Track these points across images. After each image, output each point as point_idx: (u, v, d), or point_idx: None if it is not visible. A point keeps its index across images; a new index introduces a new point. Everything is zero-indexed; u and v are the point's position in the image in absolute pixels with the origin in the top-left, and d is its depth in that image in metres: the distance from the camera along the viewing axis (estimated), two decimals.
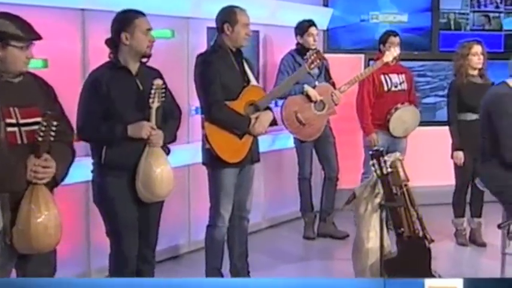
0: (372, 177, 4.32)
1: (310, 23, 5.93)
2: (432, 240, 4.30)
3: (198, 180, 5.22)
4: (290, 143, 6.18)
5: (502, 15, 7.48)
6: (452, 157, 5.76)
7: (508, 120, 4.43)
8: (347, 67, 6.66)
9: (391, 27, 6.99)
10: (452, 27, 7.35)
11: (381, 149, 4.17)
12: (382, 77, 6.24)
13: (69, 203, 4.44)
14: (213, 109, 4.36)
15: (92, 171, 3.91)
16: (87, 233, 4.83)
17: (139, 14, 3.84)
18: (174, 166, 3.94)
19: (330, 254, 5.88)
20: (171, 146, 4.02)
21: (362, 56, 6.95)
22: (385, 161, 4.10)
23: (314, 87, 5.89)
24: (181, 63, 5.41)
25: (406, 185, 4.30)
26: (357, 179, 6.11)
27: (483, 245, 5.86)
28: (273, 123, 4.58)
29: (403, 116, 6.22)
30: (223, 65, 4.42)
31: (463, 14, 7.36)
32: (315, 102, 5.86)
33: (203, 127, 4.39)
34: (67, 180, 3.34)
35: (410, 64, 7.08)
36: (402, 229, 4.20)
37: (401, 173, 4.29)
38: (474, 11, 7.41)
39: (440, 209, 6.14)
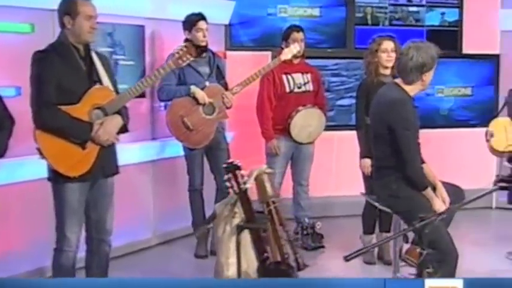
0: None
1: (199, 17, 5.31)
2: (305, 266, 3.72)
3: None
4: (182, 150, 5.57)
5: (424, 9, 6.92)
6: (360, 166, 5.21)
7: (410, 130, 3.95)
8: (251, 66, 6.00)
9: (302, 22, 6.43)
10: (369, 22, 6.76)
11: (236, 162, 3.57)
12: (284, 77, 5.68)
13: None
14: (43, 114, 3.71)
15: None
16: None
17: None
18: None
19: None
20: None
21: (269, 53, 6.30)
22: (242, 175, 3.49)
23: (203, 88, 5.28)
24: None
25: (274, 202, 3.70)
26: None
27: (390, 263, 5.30)
28: (123, 130, 3.95)
29: (306, 120, 5.66)
30: (62, 64, 3.77)
31: (381, 7, 6.78)
32: (204, 105, 5.25)
33: (34, 136, 3.75)
34: None
35: (323, 62, 6.53)
36: (266, 254, 3.60)
37: (269, 189, 3.70)
38: (393, 5, 6.83)
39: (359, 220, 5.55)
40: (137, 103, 5.27)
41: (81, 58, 3.86)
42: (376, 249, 5.38)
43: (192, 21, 5.30)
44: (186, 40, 5.32)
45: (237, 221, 3.62)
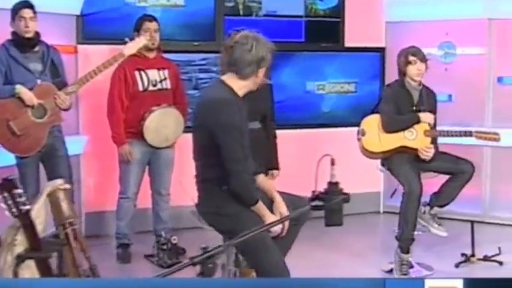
0: None
1: (22, 5, 4.58)
2: None
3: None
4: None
5: None
6: None
7: (233, 135, 3.36)
8: None
9: (165, 12, 5.79)
10: (241, 12, 6.16)
11: (11, 177, 2.88)
12: (136, 73, 5.08)
13: None
14: None
15: None
16: None
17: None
18: None
19: None
20: None
21: None
22: (20, 194, 2.81)
23: (33, 87, 4.57)
24: None
25: (72, 224, 3.04)
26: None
27: None
28: None
29: (161, 121, 5.06)
30: None
31: None
32: (32, 107, 4.55)
33: None
34: None
35: (189, 57, 5.91)
36: None
37: (65, 208, 3.04)
38: None
39: None
40: None
41: None
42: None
43: (15, 10, 4.59)
44: (13, 33, 4.63)
45: (19, 249, 2.94)
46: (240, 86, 3.44)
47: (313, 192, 2.64)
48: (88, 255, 3.06)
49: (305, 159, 5.84)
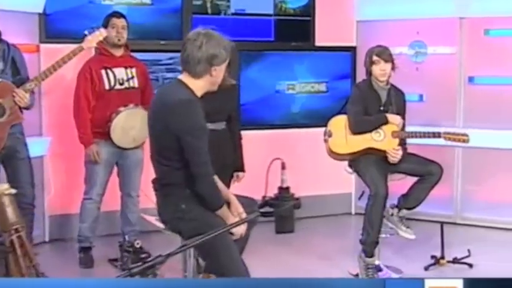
0: None
1: None
2: None
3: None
4: None
5: None
6: None
7: (199, 138, 3.27)
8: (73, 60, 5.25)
9: (131, 11, 5.67)
10: (209, 10, 6.04)
11: None
12: (103, 71, 4.98)
13: None
14: None
15: None
16: None
17: None
18: None
19: None
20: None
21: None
22: None
23: None
24: None
25: (18, 231, 2.92)
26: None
27: None
28: None
29: (128, 122, 4.95)
30: None
31: None
32: None
33: None
34: None
35: (156, 56, 5.81)
36: None
37: (11, 214, 2.92)
38: None
39: None
40: None
41: None
42: None
43: None
44: None
45: None
46: (197, 87, 3.33)
47: (264, 197, 2.53)
48: (35, 263, 2.94)
49: (271, 161, 5.78)
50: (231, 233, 3.27)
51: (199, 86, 3.33)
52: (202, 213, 3.31)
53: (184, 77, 3.35)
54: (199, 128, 3.26)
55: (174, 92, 3.35)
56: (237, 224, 2.70)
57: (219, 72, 3.33)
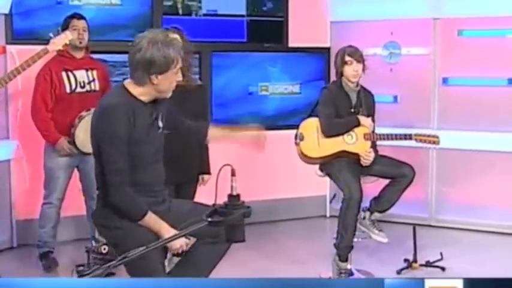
0: None
1: None
2: None
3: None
4: None
5: None
6: None
7: (112, 144, 3.09)
8: (38, 62, 5.11)
9: (100, 11, 5.59)
10: (180, 11, 5.95)
11: None
12: (63, 74, 4.87)
13: None
14: None
15: None
16: None
17: None
18: None
19: None
20: None
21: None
22: None
23: None
24: None
25: None
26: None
27: None
28: None
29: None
30: None
31: None
32: None
33: None
34: None
35: (126, 58, 5.56)
36: None
37: None
38: None
39: None
40: None
41: None
42: None
43: None
44: None
45: None
46: (139, 92, 3.12)
47: (213, 205, 2.44)
48: None
49: (244, 163, 5.68)
50: (166, 247, 3.13)
51: (141, 92, 3.13)
52: (128, 223, 3.14)
53: (128, 82, 3.18)
54: (112, 133, 3.06)
55: (109, 97, 3.24)
56: (174, 238, 2.53)
57: (162, 81, 3.09)
